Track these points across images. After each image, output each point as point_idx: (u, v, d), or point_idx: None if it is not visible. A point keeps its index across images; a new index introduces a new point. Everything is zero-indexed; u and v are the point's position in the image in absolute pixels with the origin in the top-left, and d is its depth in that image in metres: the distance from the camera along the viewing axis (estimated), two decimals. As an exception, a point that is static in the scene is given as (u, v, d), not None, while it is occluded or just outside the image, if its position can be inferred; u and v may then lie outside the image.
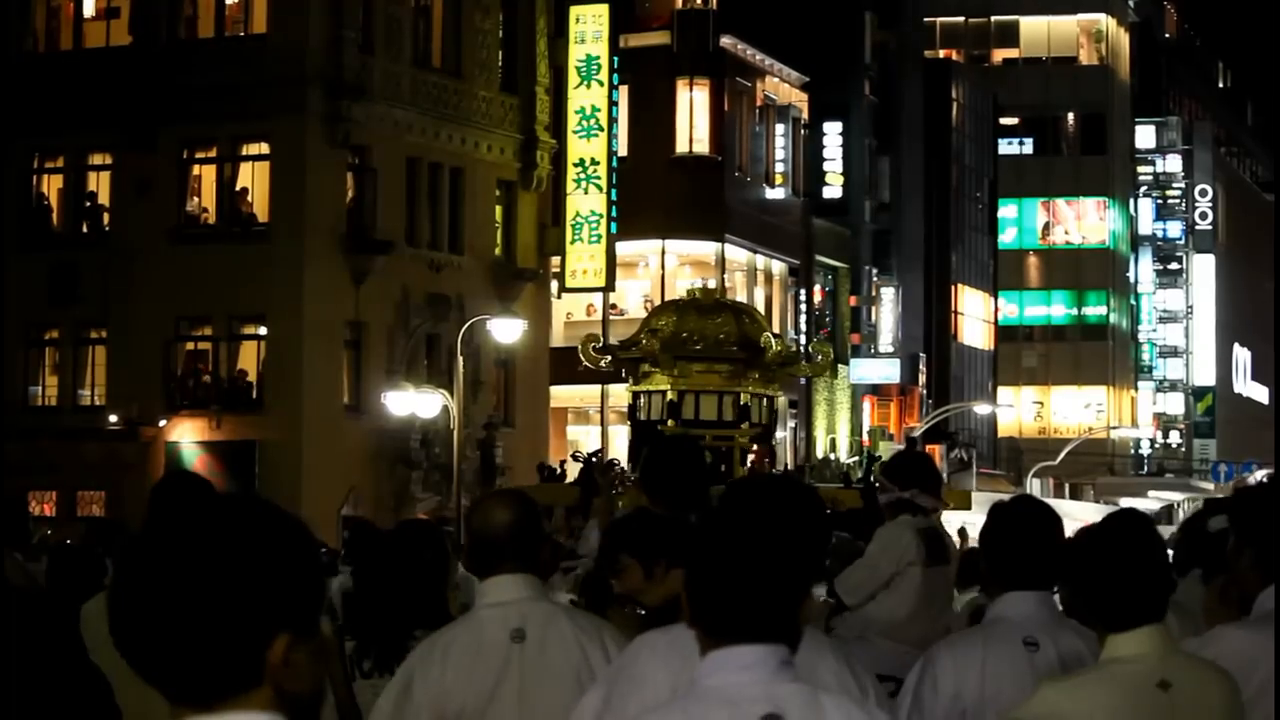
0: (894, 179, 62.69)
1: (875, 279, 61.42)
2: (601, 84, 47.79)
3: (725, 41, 51.52)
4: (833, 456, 54.01)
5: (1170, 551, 5.43)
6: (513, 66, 46.38)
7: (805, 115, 56.60)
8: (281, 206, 40.80)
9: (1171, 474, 78.10)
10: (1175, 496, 67.20)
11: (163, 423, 40.99)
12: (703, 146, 51.40)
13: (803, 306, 56.49)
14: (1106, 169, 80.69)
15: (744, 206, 52.59)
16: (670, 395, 23.80)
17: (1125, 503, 51.26)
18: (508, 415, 45.31)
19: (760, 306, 47.63)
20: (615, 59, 48.01)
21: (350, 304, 41.06)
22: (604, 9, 48.09)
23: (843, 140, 59.02)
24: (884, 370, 60.89)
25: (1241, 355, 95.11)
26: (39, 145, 43.26)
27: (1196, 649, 4.92)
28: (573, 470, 30.53)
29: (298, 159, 40.65)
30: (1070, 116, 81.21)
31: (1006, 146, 76.77)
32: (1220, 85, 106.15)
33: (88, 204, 43.54)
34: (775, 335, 28.81)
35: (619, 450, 36.51)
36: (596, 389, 47.65)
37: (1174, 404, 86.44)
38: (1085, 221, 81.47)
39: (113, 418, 41.27)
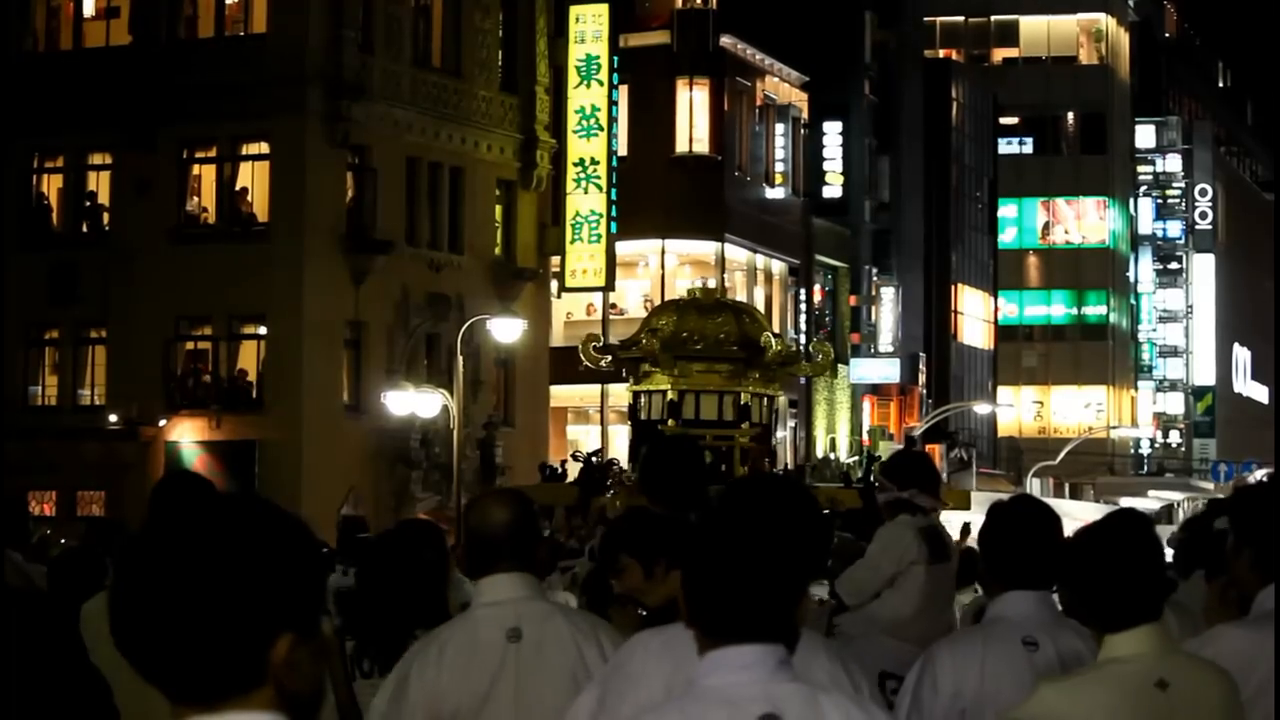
0: (894, 179, 62.67)
1: (875, 279, 61.41)
2: (601, 84, 47.76)
3: (725, 41, 51.50)
4: (833, 456, 53.96)
5: (1172, 551, 5.43)
6: (512, 66, 46.36)
7: (805, 115, 56.58)
8: (281, 206, 40.79)
9: (1171, 474, 78.09)
10: (1175, 496, 67.25)
11: (162, 422, 40.98)
12: (702, 146, 51.37)
13: (803, 306, 56.47)
14: (1106, 168, 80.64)
15: (744, 206, 52.56)
16: (670, 395, 23.83)
17: (1125, 502, 51.31)
18: (508, 415, 45.30)
19: (760, 306, 47.65)
20: (615, 59, 47.98)
21: (350, 304, 41.06)
22: (604, 9, 48.06)
23: (843, 140, 59.00)
24: (884, 370, 60.87)
25: (1241, 355, 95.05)
26: (39, 145, 43.26)
27: (1195, 648, 4.91)
28: (573, 470, 30.61)
29: (297, 159, 40.64)
30: (1070, 116, 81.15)
31: (1006, 146, 76.74)
32: (1220, 85, 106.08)
33: (87, 204, 43.53)
34: (775, 335, 28.83)
35: (619, 450, 36.57)
36: (596, 389, 47.67)
37: (1174, 404, 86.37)
38: (1085, 221, 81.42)
39: (112, 417, 41.26)
